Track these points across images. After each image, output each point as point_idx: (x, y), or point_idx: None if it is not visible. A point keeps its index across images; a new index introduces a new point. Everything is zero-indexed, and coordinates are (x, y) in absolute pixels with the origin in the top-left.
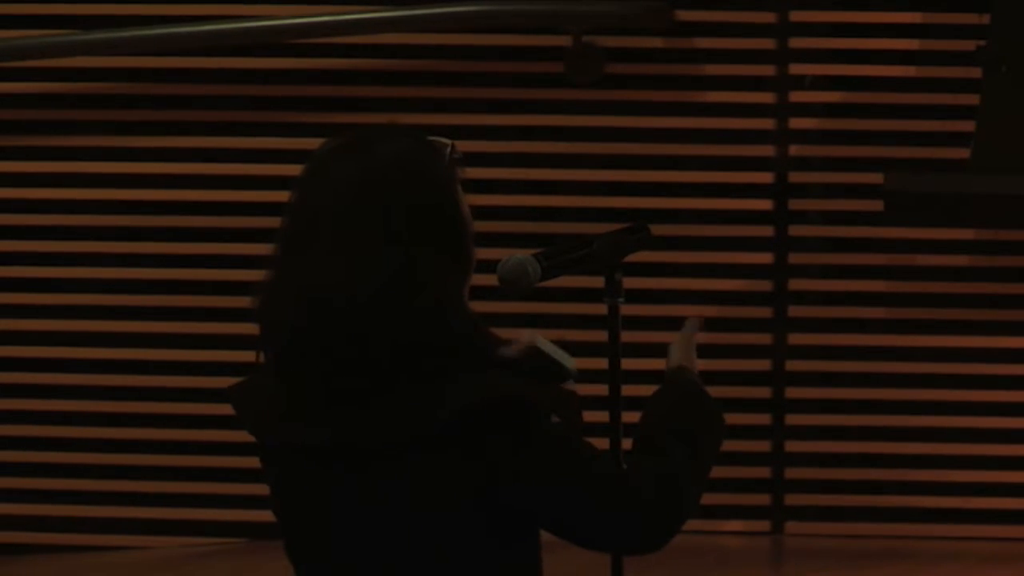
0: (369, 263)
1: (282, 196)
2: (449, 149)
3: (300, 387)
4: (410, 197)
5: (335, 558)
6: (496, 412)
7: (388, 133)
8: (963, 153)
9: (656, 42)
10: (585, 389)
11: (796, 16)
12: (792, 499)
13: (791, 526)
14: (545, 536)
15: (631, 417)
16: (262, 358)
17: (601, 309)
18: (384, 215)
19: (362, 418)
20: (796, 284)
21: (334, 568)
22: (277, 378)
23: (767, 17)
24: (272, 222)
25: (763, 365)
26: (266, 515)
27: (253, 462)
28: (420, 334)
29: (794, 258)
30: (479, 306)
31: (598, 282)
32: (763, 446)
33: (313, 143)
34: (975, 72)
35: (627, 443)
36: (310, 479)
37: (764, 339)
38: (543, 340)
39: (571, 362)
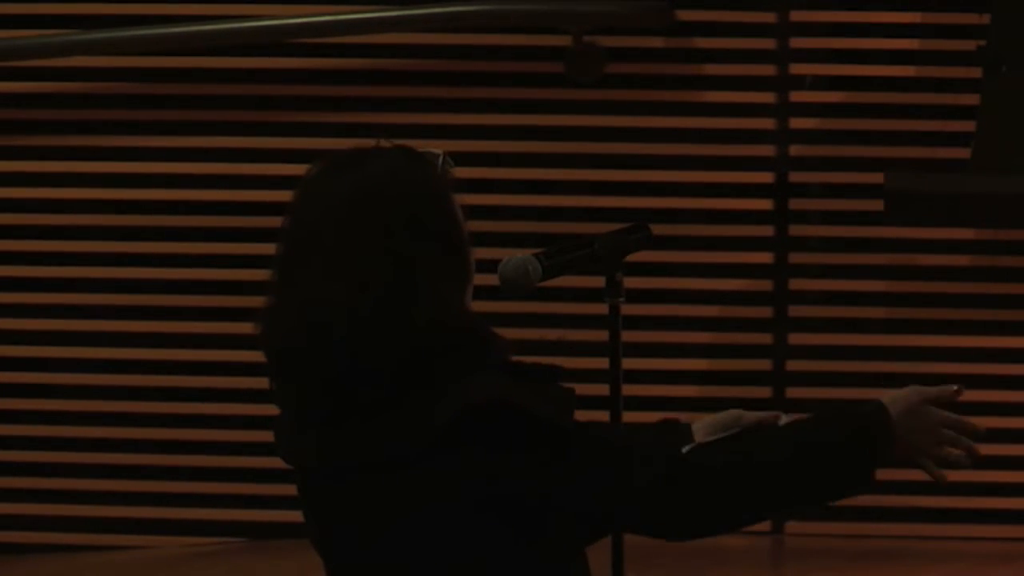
0: (366, 276)
1: (282, 196)
2: (441, 159)
3: (304, 406)
4: (404, 209)
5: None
6: (486, 414)
7: (377, 151)
8: (963, 153)
9: (656, 42)
10: (586, 389)
11: (796, 16)
12: None
13: (791, 526)
14: None
15: (631, 417)
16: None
17: (602, 309)
18: (378, 228)
19: (362, 433)
20: (796, 284)
21: None
22: (284, 401)
23: (767, 17)
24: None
25: (763, 365)
26: (266, 515)
27: (253, 462)
28: (421, 342)
29: (794, 258)
30: (479, 306)
31: (598, 282)
32: None
33: (313, 143)
34: (975, 72)
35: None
36: (323, 498)
37: (764, 339)
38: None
39: None
